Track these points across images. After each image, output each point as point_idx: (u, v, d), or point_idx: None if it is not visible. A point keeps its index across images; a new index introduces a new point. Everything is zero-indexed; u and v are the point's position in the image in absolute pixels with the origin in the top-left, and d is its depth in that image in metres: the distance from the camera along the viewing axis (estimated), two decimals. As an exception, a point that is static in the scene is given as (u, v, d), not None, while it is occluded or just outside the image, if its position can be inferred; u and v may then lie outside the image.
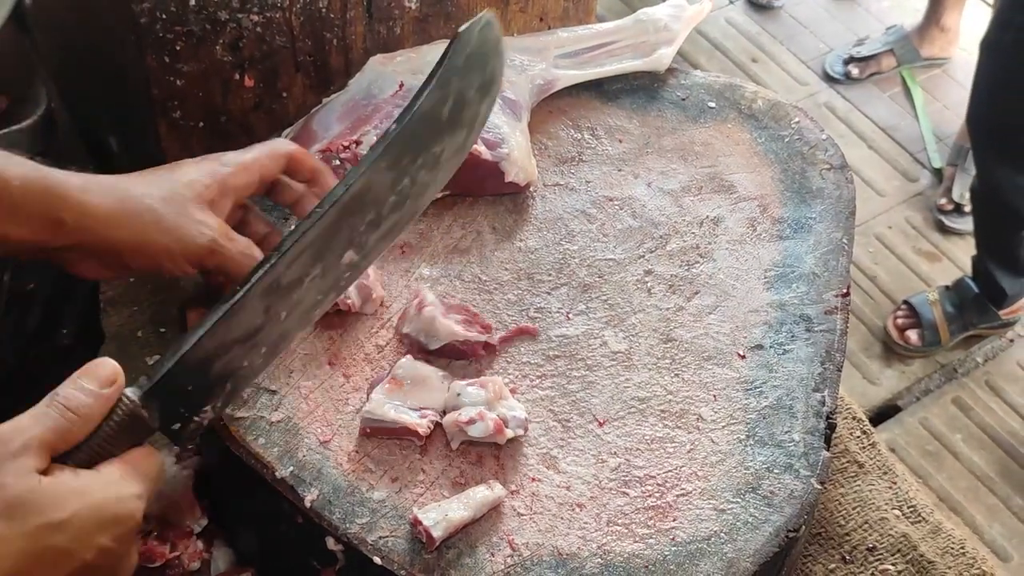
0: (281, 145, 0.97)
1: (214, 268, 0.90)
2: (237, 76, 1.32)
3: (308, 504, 0.90)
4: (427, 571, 0.87)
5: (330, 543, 0.89)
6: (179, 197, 0.87)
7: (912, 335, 2.62)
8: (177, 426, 0.79)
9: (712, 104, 1.26)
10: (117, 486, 0.69)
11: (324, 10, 1.31)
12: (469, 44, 0.90)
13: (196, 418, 0.80)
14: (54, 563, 0.65)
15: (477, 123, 0.95)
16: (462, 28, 0.89)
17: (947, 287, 2.67)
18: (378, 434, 0.94)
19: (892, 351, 2.63)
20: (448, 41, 0.90)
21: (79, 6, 1.42)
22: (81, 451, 0.71)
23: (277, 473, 0.91)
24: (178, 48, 1.25)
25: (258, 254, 0.91)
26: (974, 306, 2.61)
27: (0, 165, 0.81)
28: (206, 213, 0.88)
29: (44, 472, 0.67)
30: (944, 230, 2.88)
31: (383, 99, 1.14)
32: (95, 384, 0.71)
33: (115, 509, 0.68)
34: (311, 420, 0.95)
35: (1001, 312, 2.61)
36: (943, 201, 2.89)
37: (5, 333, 1.07)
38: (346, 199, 0.86)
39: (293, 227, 0.87)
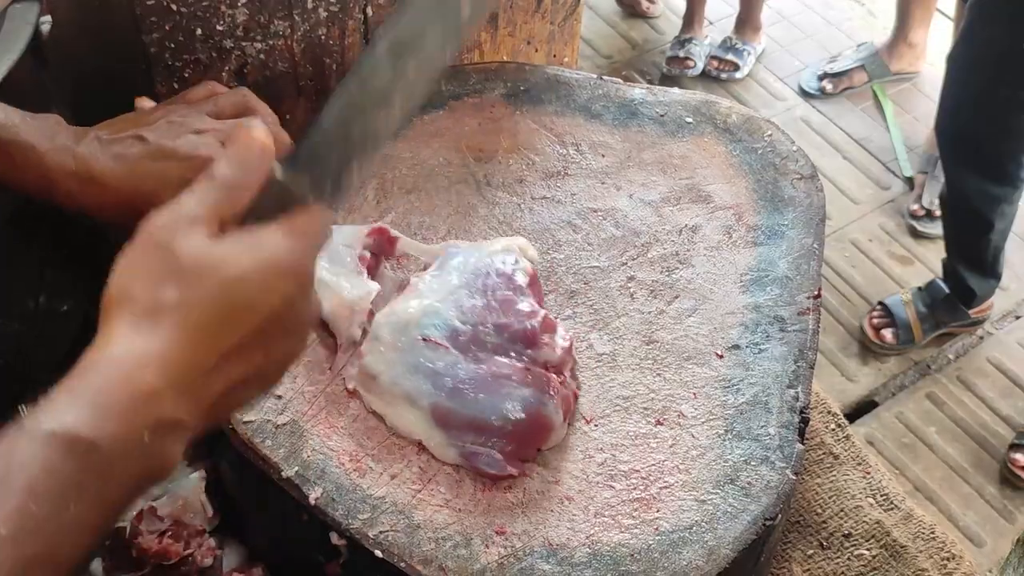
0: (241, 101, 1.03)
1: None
2: (242, 101, 1.33)
3: (312, 502, 0.90)
4: (425, 562, 0.87)
5: (334, 538, 0.90)
6: None
7: (887, 334, 2.62)
8: (328, 190, 0.71)
9: (689, 119, 1.27)
10: (288, 239, 0.65)
11: (323, 37, 1.32)
12: None
13: (344, 181, 0.73)
14: (243, 316, 0.62)
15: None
16: None
17: (919, 288, 2.67)
18: None
19: (868, 350, 2.64)
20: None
21: (93, 37, 1.43)
22: (246, 217, 0.66)
23: (283, 473, 0.92)
24: (186, 75, 1.26)
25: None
26: (945, 306, 2.61)
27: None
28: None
29: (215, 237, 0.63)
30: (916, 235, 2.89)
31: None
32: (248, 154, 0.66)
33: (290, 258, 0.64)
34: (315, 423, 0.96)
35: (971, 311, 2.62)
36: (914, 207, 2.90)
37: (39, 355, 1.08)
38: None
39: None
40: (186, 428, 0.60)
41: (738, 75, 3.28)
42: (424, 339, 0.95)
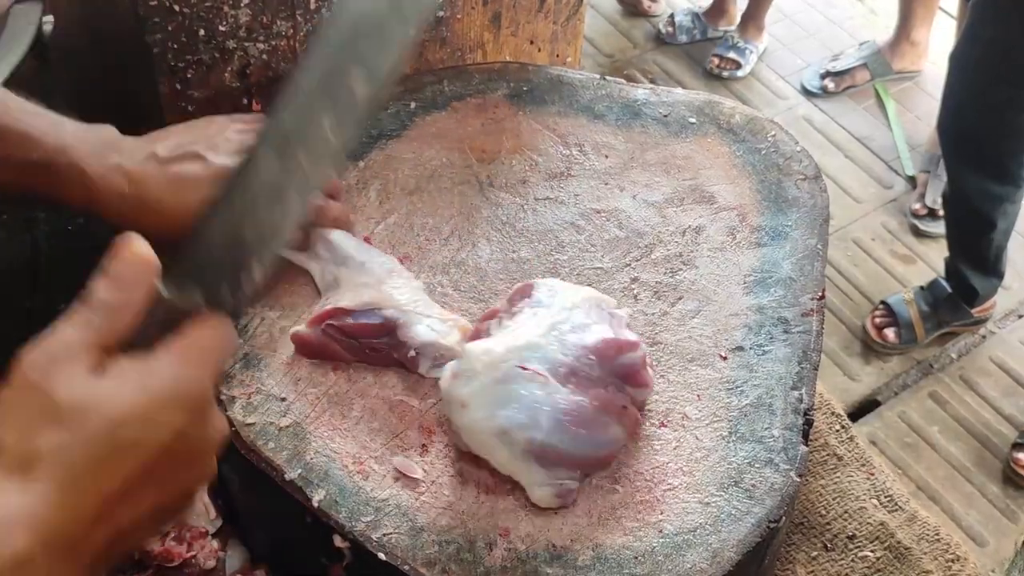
0: None
1: None
2: (245, 101, 1.33)
3: (316, 504, 0.90)
4: (429, 565, 0.87)
5: (337, 541, 0.90)
6: None
7: (890, 333, 2.62)
8: (226, 297, 0.66)
9: (693, 120, 1.27)
10: (178, 364, 0.60)
11: (326, 38, 1.31)
12: None
13: (244, 284, 0.67)
14: (127, 457, 0.57)
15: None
16: None
17: (922, 288, 2.67)
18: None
19: (871, 349, 2.63)
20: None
21: (95, 38, 1.43)
22: (132, 343, 0.61)
23: (286, 475, 0.92)
24: (189, 76, 1.26)
25: None
26: (947, 305, 2.61)
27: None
28: None
29: (97, 371, 0.58)
30: (919, 234, 2.88)
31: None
32: (129, 271, 0.61)
33: (180, 386, 0.59)
34: (317, 425, 0.95)
35: (973, 310, 2.61)
36: (917, 206, 2.90)
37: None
38: (343, 19, 0.73)
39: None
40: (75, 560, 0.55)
41: (740, 73, 3.28)
42: (523, 367, 0.90)
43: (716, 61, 3.28)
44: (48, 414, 0.56)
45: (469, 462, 0.93)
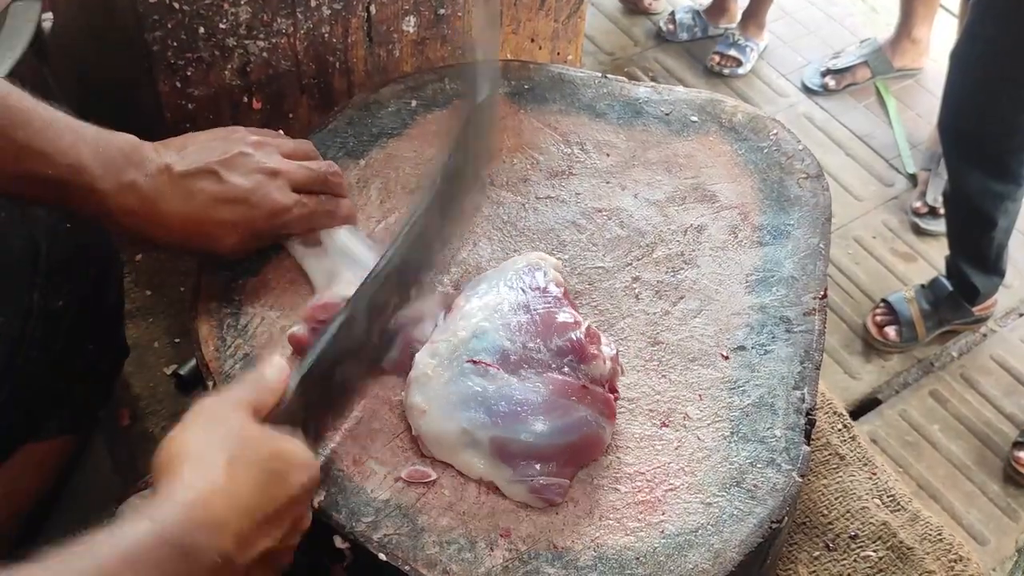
0: (322, 164, 1.06)
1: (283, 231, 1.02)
2: (245, 99, 1.32)
3: (316, 504, 0.89)
4: (430, 566, 0.87)
5: (337, 541, 0.89)
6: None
7: (890, 332, 2.61)
8: (311, 434, 0.84)
9: (694, 118, 1.26)
10: (300, 444, 0.78)
11: (327, 35, 1.31)
12: (483, 112, 1.00)
13: (320, 427, 0.87)
14: (277, 486, 0.73)
15: (483, 183, 1.07)
16: (479, 101, 0.99)
17: (923, 286, 2.66)
18: None
19: (872, 347, 2.62)
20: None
21: (95, 35, 1.42)
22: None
23: (286, 476, 0.91)
24: (189, 73, 1.25)
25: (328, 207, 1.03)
26: (948, 303, 2.60)
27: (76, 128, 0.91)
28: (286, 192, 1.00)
29: (252, 421, 0.76)
30: (919, 232, 2.87)
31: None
32: (273, 368, 0.81)
33: (305, 456, 0.77)
34: (318, 425, 0.95)
35: (974, 308, 2.60)
36: (918, 204, 2.89)
37: (35, 349, 1.07)
38: (413, 233, 0.93)
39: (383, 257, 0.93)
40: (236, 571, 0.69)
41: (741, 71, 3.26)
42: (473, 361, 0.91)
43: (717, 58, 3.27)
44: (222, 437, 0.73)
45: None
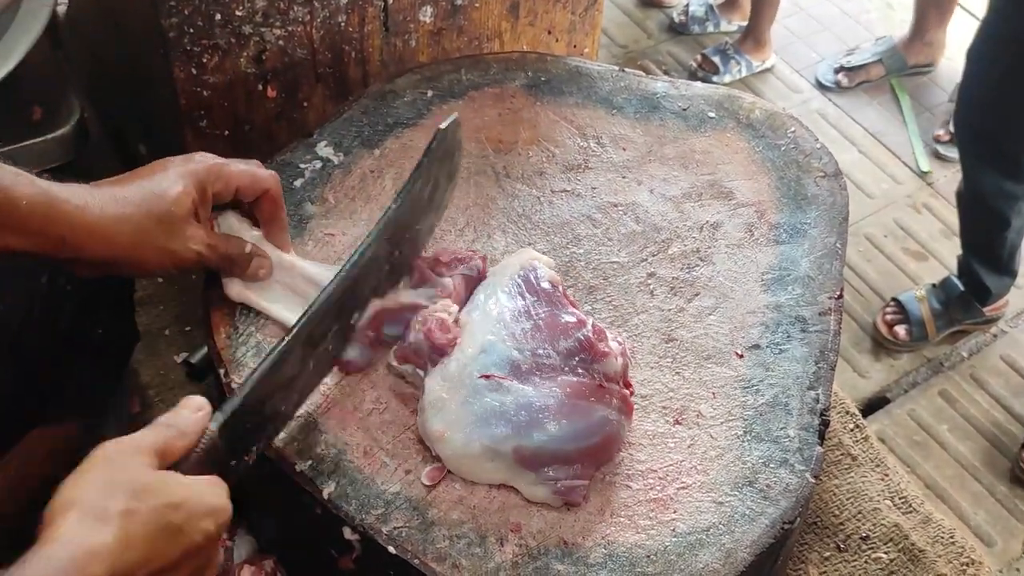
0: (264, 177, 0.99)
1: (201, 269, 0.99)
2: (260, 87, 1.31)
3: (326, 496, 0.89)
4: (439, 560, 0.86)
5: (347, 533, 0.89)
6: (169, 216, 0.92)
7: (900, 331, 2.60)
8: (235, 463, 0.82)
9: (712, 114, 1.25)
10: (211, 488, 0.76)
11: (343, 24, 1.30)
12: (445, 140, 0.99)
13: (246, 456, 0.84)
14: (173, 538, 0.70)
15: (443, 206, 1.05)
16: (440, 126, 0.99)
17: (934, 285, 2.64)
18: None
19: (881, 346, 2.61)
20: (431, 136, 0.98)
21: (110, 21, 1.41)
22: (178, 469, 0.77)
23: (297, 467, 0.90)
24: (204, 60, 1.24)
25: (235, 248, 0.98)
26: (959, 303, 2.58)
27: (10, 184, 0.85)
28: (193, 228, 0.93)
29: (154, 469, 0.74)
30: (938, 157, 2.93)
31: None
32: (190, 409, 0.79)
33: (214, 501, 0.75)
34: (328, 416, 0.94)
35: (985, 309, 2.59)
36: (940, 132, 2.94)
37: (41, 333, 1.07)
38: (361, 263, 0.93)
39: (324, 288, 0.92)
40: None
41: (715, 79, 3.21)
42: (485, 377, 0.90)
43: (699, 59, 3.24)
44: (119, 486, 0.70)
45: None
